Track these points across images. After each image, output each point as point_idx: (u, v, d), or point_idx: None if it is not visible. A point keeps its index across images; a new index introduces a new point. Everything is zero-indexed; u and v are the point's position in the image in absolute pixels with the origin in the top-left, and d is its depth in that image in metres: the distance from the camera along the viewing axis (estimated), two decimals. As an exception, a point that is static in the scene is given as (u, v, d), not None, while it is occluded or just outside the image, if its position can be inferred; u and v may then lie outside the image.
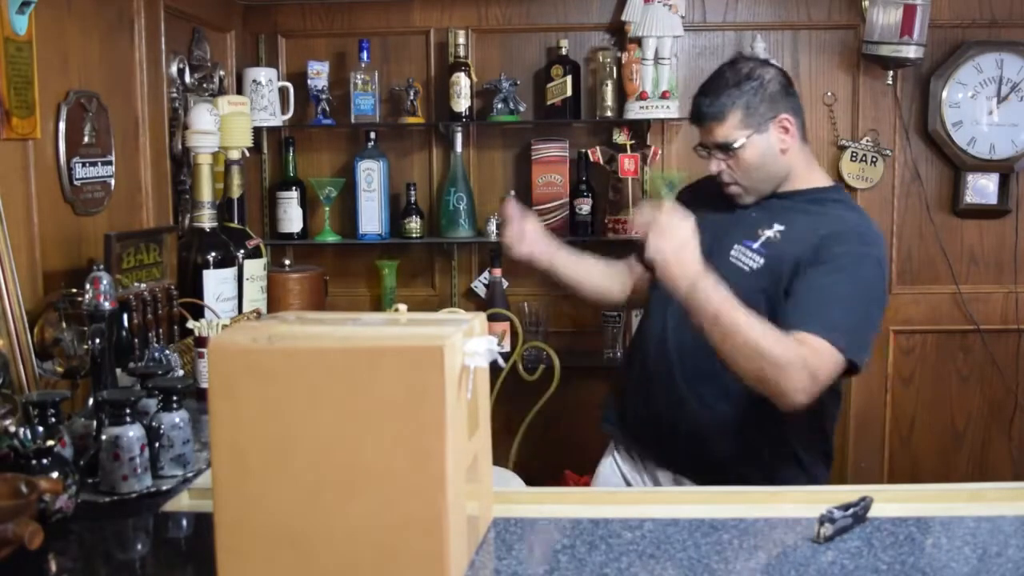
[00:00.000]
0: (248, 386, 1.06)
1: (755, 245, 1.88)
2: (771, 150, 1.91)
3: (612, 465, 2.11)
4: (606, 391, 2.24)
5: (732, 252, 1.89)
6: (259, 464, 1.06)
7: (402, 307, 1.28)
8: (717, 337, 1.68)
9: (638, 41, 3.01)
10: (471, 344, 1.14)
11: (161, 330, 2.16)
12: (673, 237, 1.71)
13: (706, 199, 2.02)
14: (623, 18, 3.05)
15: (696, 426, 1.89)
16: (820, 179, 1.99)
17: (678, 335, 1.90)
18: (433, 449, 1.04)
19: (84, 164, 2.12)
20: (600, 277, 2.19)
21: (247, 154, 2.80)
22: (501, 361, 1.19)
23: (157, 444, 1.57)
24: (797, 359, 1.66)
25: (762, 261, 1.86)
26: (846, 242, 1.82)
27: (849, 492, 1.41)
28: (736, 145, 1.89)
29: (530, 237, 2.03)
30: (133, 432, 1.50)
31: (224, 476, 1.07)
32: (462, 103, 3.04)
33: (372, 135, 3.09)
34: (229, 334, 1.13)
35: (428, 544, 1.06)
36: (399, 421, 1.05)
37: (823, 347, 1.69)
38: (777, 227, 1.89)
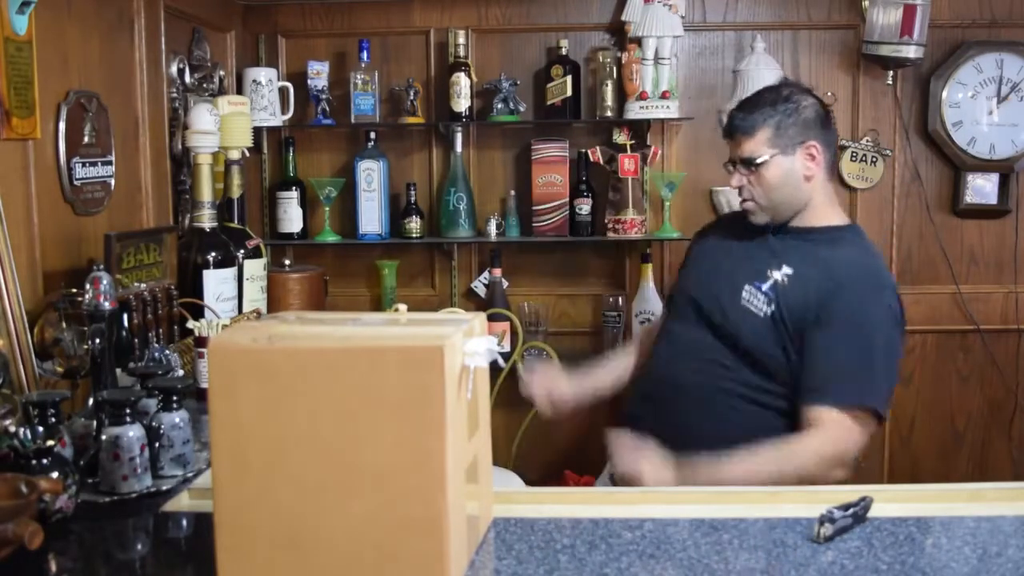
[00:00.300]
0: (248, 386, 1.06)
1: (764, 287, 1.90)
2: (794, 174, 1.93)
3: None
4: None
5: (744, 293, 1.92)
6: (259, 464, 1.06)
7: (402, 307, 1.28)
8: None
9: (638, 41, 3.01)
10: (471, 344, 1.14)
11: (161, 330, 2.16)
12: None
13: (719, 231, 2.13)
14: (623, 18, 3.05)
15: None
16: (838, 218, 2.01)
17: (672, 368, 1.99)
18: (433, 449, 1.04)
19: (84, 164, 2.12)
20: (623, 373, 2.24)
21: (247, 154, 2.80)
22: (501, 361, 1.19)
23: (157, 444, 1.57)
24: (814, 458, 1.78)
25: (770, 310, 1.88)
26: (856, 292, 1.85)
27: (849, 492, 1.41)
28: (759, 160, 1.91)
29: (557, 400, 2.10)
30: (133, 432, 1.50)
31: (224, 476, 1.07)
32: (462, 103, 3.04)
33: (372, 135, 3.09)
34: (229, 334, 1.13)
35: (428, 544, 1.06)
36: (399, 421, 1.05)
37: (841, 421, 1.79)
38: (786, 269, 1.91)
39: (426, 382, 1.04)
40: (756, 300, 1.90)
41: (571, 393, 2.12)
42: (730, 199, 3.08)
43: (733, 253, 2.02)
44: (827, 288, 1.85)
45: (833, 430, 1.79)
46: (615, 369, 2.23)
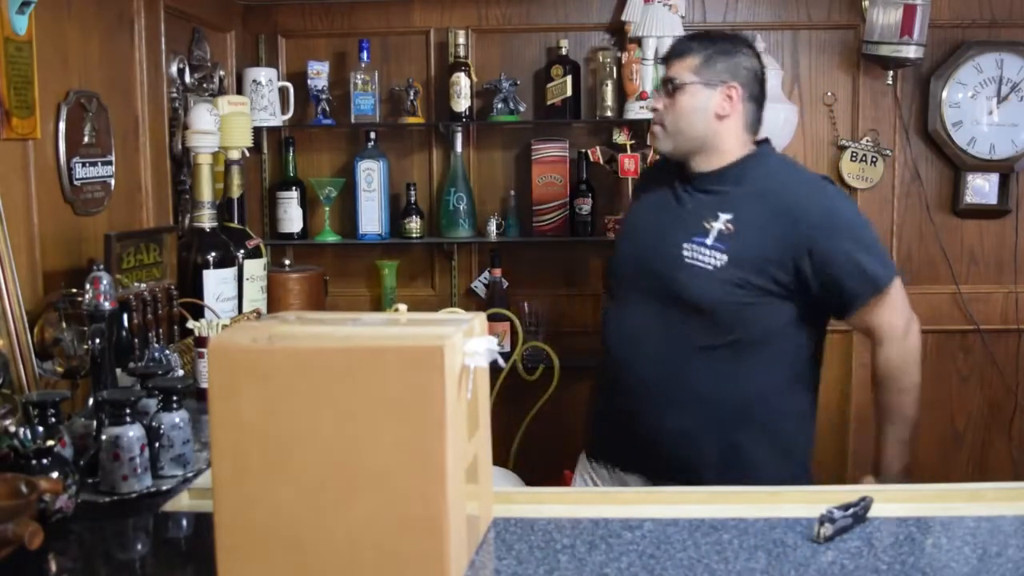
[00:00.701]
0: (248, 386, 1.06)
1: (709, 241, 1.87)
2: (708, 108, 1.93)
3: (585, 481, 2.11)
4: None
5: (685, 252, 1.88)
6: (259, 464, 1.06)
7: (402, 307, 1.28)
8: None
9: (638, 41, 3.01)
10: (471, 344, 1.14)
11: (161, 330, 2.16)
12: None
13: (648, 187, 2.11)
14: (623, 18, 3.05)
15: (674, 428, 1.89)
16: (742, 150, 1.97)
17: (641, 339, 1.94)
18: (433, 449, 1.04)
19: (84, 164, 2.12)
20: None
21: (247, 154, 2.80)
22: (501, 361, 1.18)
23: (157, 444, 1.57)
24: (901, 369, 1.91)
25: (724, 258, 1.85)
26: (819, 199, 1.91)
27: (849, 492, 1.41)
28: (678, 82, 1.93)
29: None
30: (133, 432, 1.50)
31: (224, 476, 1.07)
32: (462, 103, 3.04)
33: (372, 135, 3.09)
34: (229, 334, 1.13)
35: (428, 544, 1.06)
36: (399, 421, 1.05)
37: (886, 305, 1.89)
38: (724, 217, 1.88)
39: (426, 382, 1.04)
40: (702, 256, 1.87)
41: None
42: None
43: (656, 215, 2.00)
44: (794, 219, 1.86)
45: (884, 321, 1.91)
46: None
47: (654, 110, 1.98)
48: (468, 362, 1.11)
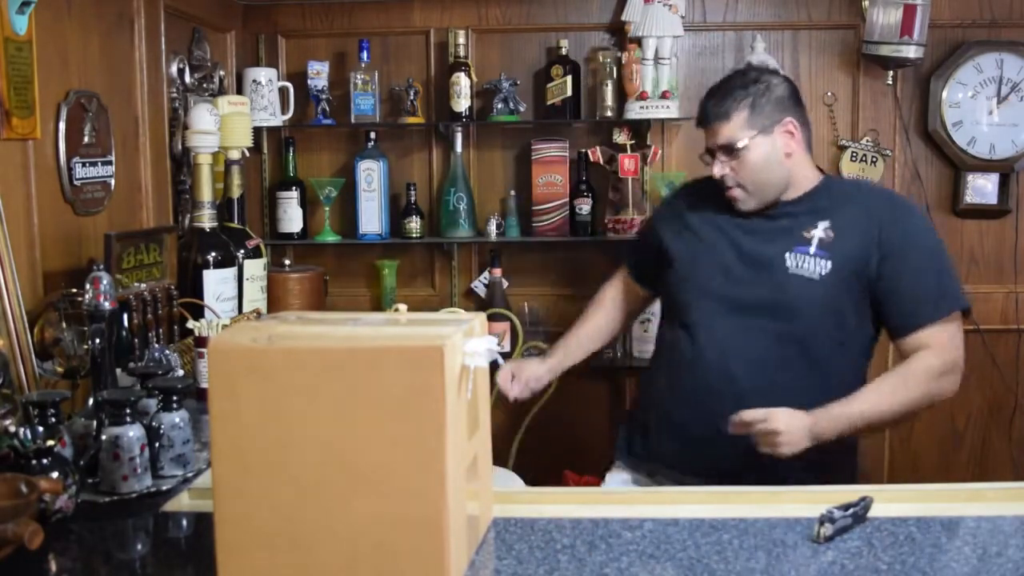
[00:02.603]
0: (248, 386, 1.06)
1: (812, 250, 1.87)
2: (776, 153, 1.92)
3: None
4: (621, 412, 2.24)
5: (788, 262, 1.88)
6: (259, 463, 1.07)
7: (402, 307, 1.28)
8: (874, 428, 1.85)
9: (638, 41, 3.01)
10: (471, 344, 1.14)
11: (161, 330, 2.16)
12: (788, 436, 1.72)
13: (701, 206, 2.05)
14: (623, 18, 3.05)
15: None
16: (814, 176, 1.99)
17: (740, 350, 1.89)
18: (433, 449, 1.04)
19: (84, 164, 2.12)
20: (604, 334, 2.26)
21: (247, 154, 2.80)
22: (501, 361, 1.18)
23: (157, 444, 1.57)
24: (927, 379, 1.85)
25: (829, 265, 1.86)
26: (903, 215, 1.92)
27: (849, 492, 1.41)
28: (740, 145, 1.90)
29: (532, 385, 2.07)
30: (133, 432, 1.51)
31: (224, 476, 1.07)
32: (462, 103, 3.04)
33: (372, 135, 3.09)
34: (229, 334, 1.13)
35: (428, 544, 1.06)
36: (399, 421, 1.05)
37: (942, 331, 1.87)
38: (823, 225, 1.89)
39: (426, 382, 1.04)
40: (808, 264, 1.87)
41: (545, 371, 2.10)
42: (730, 199, 3.08)
43: (739, 230, 1.97)
44: (878, 223, 1.88)
45: (937, 343, 1.87)
46: (587, 339, 2.22)
47: (721, 177, 1.94)
48: (468, 362, 1.11)
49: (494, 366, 1.18)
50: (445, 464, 1.04)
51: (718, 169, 1.93)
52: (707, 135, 1.96)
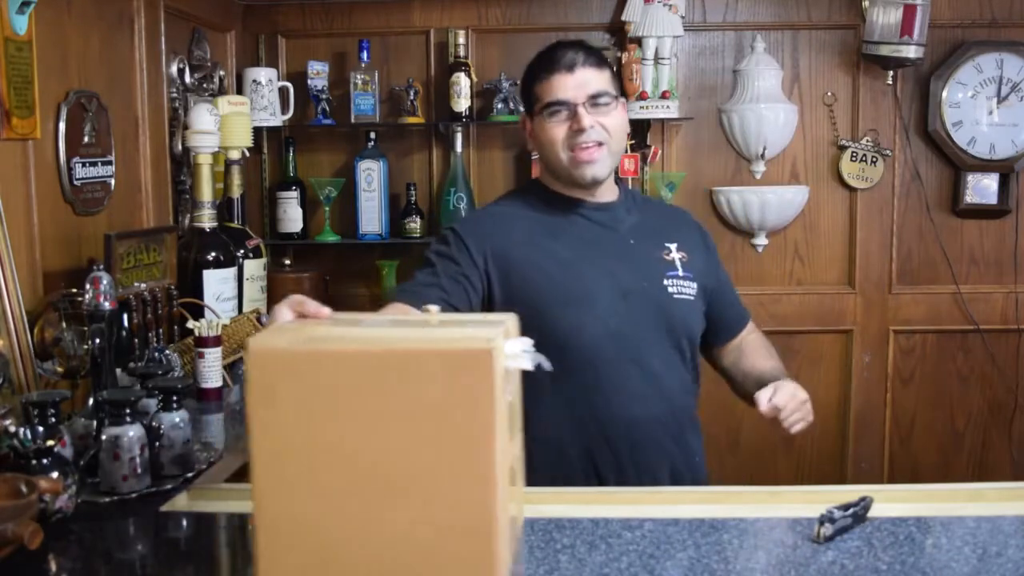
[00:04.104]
0: (289, 390, 1.02)
1: (680, 272, 1.79)
2: (625, 124, 1.82)
3: None
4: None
5: (670, 289, 1.77)
6: (300, 469, 1.03)
7: (433, 307, 1.26)
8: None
9: (638, 41, 3.01)
10: (510, 345, 1.12)
11: (161, 330, 2.16)
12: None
13: (521, 239, 1.77)
14: (623, 18, 3.05)
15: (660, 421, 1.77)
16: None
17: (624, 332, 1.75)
18: (483, 452, 1.02)
19: (84, 164, 2.12)
20: None
21: (247, 154, 2.80)
22: (547, 364, 1.15)
23: (157, 444, 1.57)
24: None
25: (695, 285, 1.81)
26: (701, 228, 1.96)
27: (849, 492, 1.41)
28: (614, 93, 1.75)
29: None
30: (133, 432, 1.50)
31: (264, 482, 1.04)
32: (462, 103, 3.04)
33: (372, 135, 3.09)
34: (267, 337, 1.10)
35: (478, 550, 1.02)
36: (447, 424, 1.02)
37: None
38: (670, 245, 1.81)
39: (476, 385, 1.01)
40: (684, 288, 1.79)
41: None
42: (730, 199, 3.08)
43: (587, 254, 1.76)
44: (699, 237, 1.90)
45: (753, 328, 1.98)
46: None
47: (587, 129, 1.73)
48: (510, 364, 1.09)
49: (538, 369, 1.15)
50: (495, 468, 1.02)
51: (587, 120, 1.70)
52: (565, 85, 1.71)
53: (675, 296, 1.77)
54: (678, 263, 1.80)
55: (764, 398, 1.66)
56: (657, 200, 2.03)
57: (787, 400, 1.65)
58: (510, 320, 1.17)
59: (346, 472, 1.03)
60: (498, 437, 1.02)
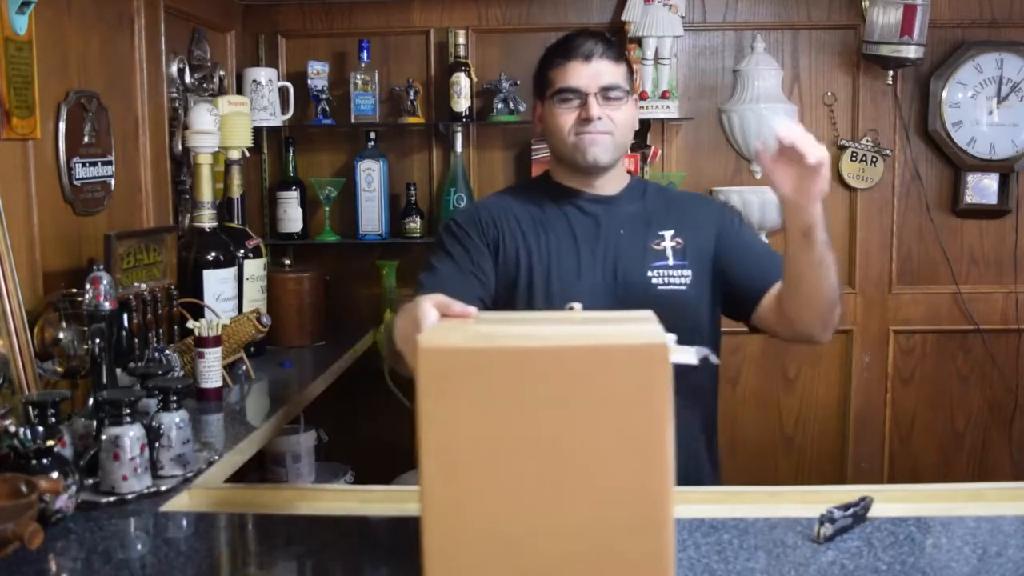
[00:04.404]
0: (461, 386, 1.03)
1: (671, 262, 1.76)
2: (634, 120, 1.83)
3: None
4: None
5: (654, 280, 1.75)
6: (470, 465, 1.03)
7: (576, 305, 1.26)
8: (823, 272, 1.56)
9: (638, 41, 3.01)
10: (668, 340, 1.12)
11: (161, 330, 2.16)
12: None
13: (515, 228, 1.79)
14: (623, 18, 3.05)
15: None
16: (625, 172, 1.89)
17: None
18: (657, 446, 1.02)
19: (84, 164, 2.12)
20: None
21: (247, 154, 2.80)
22: (715, 359, 1.14)
23: (157, 444, 1.57)
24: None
25: (690, 272, 1.77)
26: (721, 207, 1.93)
27: (849, 492, 1.41)
28: (627, 88, 1.77)
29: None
30: (133, 432, 1.50)
31: (433, 478, 1.03)
32: (462, 103, 3.04)
33: (372, 135, 3.09)
34: (435, 335, 1.11)
35: (650, 541, 1.03)
36: (620, 419, 1.02)
37: None
38: (665, 233, 1.78)
39: (651, 379, 1.02)
40: (673, 278, 1.75)
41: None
42: (730, 199, 3.08)
43: (573, 246, 1.76)
44: (713, 216, 1.83)
45: None
46: None
47: (596, 119, 1.75)
48: (673, 359, 1.09)
49: (704, 363, 1.15)
50: (668, 460, 1.03)
51: (596, 110, 1.72)
52: (579, 73, 1.73)
53: (659, 287, 1.75)
54: (669, 252, 1.77)
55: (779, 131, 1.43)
56: (674, 189, 1.96)
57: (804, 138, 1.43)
58: (651, 315, 1.18)
59: (518, 466, 1.03)
60: (670, 431, 1.02)
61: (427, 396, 1.03)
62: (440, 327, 1.15)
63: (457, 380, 1.03)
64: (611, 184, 1.83)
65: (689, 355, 1.11)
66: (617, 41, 1.83)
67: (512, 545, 1.04)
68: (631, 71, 1.83)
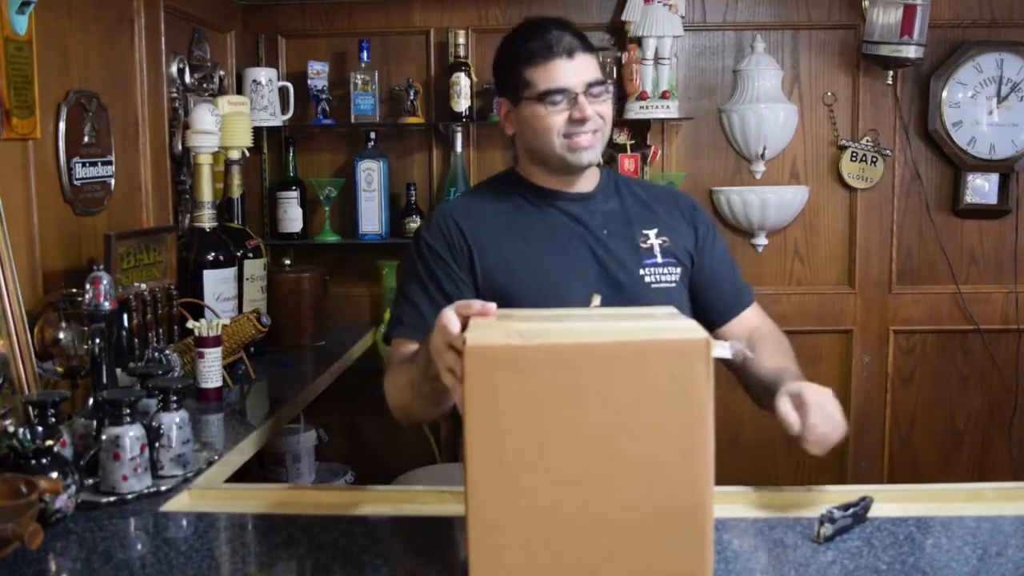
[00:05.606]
0: (508, 383, 1.05)
1: (660, 259, 1.75)
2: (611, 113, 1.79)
3: None
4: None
5: (646, 278, 1.73)
6: (517, 461, 1.05)
7: (596, 299, 1.27)
8: None
9: (638, 41, 3.01)
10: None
11: (161, 330, 2.16)
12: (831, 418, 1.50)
13: (490, 228, 1.75)
14: (623, 18, 3.05)
15: None
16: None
17: None
18: (700, 439, 1.04)
19: (84, 164, 2.12)
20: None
21: (247, 154, 2.80)
22: (749, 353, 1.15)
23: (157, 444, 1.57)
24: (786, 341, 1.84)
25: (679, 270, 1.77)
26: (695, 205, 1.88)
27: (849, 492, 1.41)
28: (608, 82, 1.73)
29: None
30: (133, 432, 1.51)
31: (480, 474, 1.05)
32: (462, 103, 3.04)
33: (372, 135, 3.09)
34: (479, 333, 1.12)
35: (692, 531, 1.05)
36: (664, 413, 1.04)
37: (757, 308, 1.87)
38: (649, 232, 1.77)
39: (693, 373, 1.04)
40: (664, 276, 1.75)
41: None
42: (730, 199, 3.08)
43: (557, 248, 1.73)
44: (687, 215, 1.83)
45: (759, 316, 1.87)
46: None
47: (588, 118, 1.69)
48: (714, 353, 1.11)
49: (739, 356, 1.16)
50: (710, 454, 1.05)
51: (589, 109, 1.66)
52: (565, 71, 1.67)
53: (653, 285, 1.73)
54: (656, 249, 1.76)
55: (791, 417, 1.46)
56: (644, 182, 1.93)
57: (818, 421, 1.46)
58: (674, 311, 1.20)
59: (564, 461, 1.06)
60: (712, 423, 1.04)
61: (475, 393, 1.05)
62: (479, 326, 1.16)
63: (504, 377, 1.05)
64: (588, 181, 1.79)
65: (724, 350, 1.12)
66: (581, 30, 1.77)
67: (557, 537, 1.06)
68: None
